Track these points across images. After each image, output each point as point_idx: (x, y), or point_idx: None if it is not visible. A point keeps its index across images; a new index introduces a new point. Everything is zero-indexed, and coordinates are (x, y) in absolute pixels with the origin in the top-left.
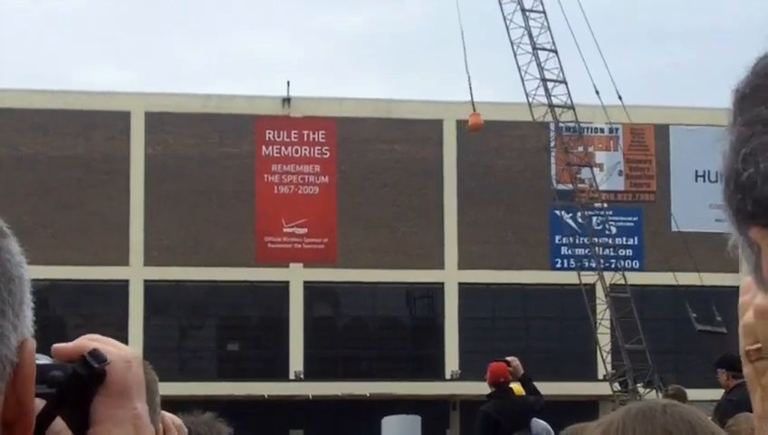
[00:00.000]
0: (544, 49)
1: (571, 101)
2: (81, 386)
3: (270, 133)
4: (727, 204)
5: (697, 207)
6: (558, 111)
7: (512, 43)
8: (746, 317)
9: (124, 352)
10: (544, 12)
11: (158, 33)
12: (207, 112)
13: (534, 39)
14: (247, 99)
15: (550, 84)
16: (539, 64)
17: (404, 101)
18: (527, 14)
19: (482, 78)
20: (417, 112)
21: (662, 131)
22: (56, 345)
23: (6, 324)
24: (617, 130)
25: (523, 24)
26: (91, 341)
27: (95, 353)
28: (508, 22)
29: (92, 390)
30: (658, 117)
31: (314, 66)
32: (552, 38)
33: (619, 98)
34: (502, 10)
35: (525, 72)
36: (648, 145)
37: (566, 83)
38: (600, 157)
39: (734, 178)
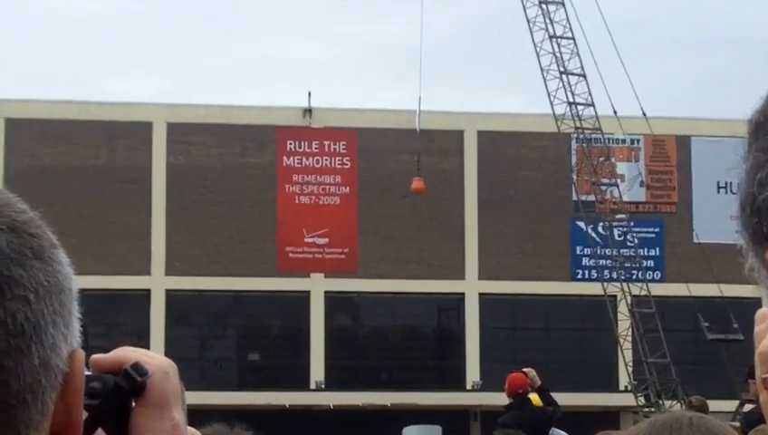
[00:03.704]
0: (573, 74)
1: (599, 124)
2: (121, 398)
3: (291, 144)
4: (743, 228)
5: (719, 218)
6: (587, 132)
7: (542, 69)
8: (762, 346)
9: (162, 363)
10: (573, 38)
11: (180, 43)
12: (229, 123)
13: (565, 64)
14: (268, 109)
15: (580, 108)
16: (567, 88)
17: (425, 111)
18: (558, 40)
19: (502, 88)
20: (437, 123)
21: (683, 142)
22: (95, 356)
23: (58, 335)
24: (638, 141)
25: (552, 51)
26: (129, 352)
27: (137, 367)
28: (538, 49)
29: (132, 401)
30: (680, 128)
31: (335, 77)
32: (581, 63)
33: (644, 114)
34: (532, 37)
35: (554, 97)
36: (670, 156)
37: (594, 106)
38: (622, 168)
39: (749, 202)
